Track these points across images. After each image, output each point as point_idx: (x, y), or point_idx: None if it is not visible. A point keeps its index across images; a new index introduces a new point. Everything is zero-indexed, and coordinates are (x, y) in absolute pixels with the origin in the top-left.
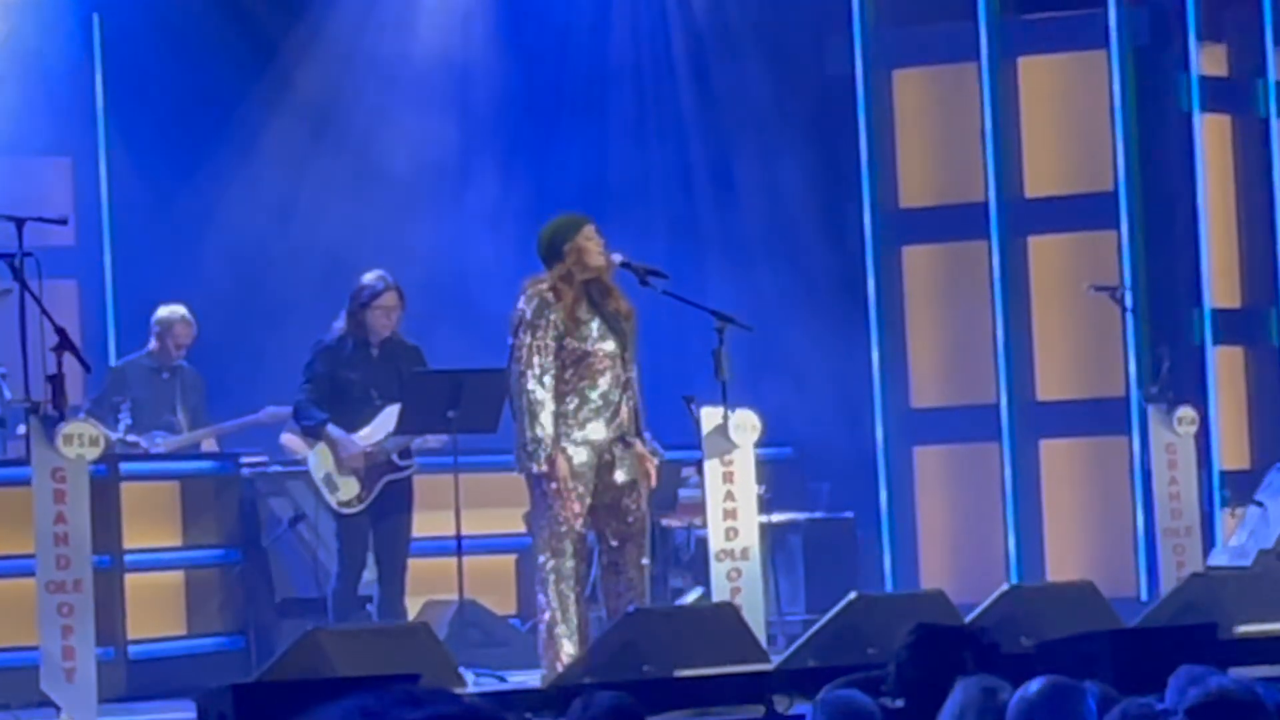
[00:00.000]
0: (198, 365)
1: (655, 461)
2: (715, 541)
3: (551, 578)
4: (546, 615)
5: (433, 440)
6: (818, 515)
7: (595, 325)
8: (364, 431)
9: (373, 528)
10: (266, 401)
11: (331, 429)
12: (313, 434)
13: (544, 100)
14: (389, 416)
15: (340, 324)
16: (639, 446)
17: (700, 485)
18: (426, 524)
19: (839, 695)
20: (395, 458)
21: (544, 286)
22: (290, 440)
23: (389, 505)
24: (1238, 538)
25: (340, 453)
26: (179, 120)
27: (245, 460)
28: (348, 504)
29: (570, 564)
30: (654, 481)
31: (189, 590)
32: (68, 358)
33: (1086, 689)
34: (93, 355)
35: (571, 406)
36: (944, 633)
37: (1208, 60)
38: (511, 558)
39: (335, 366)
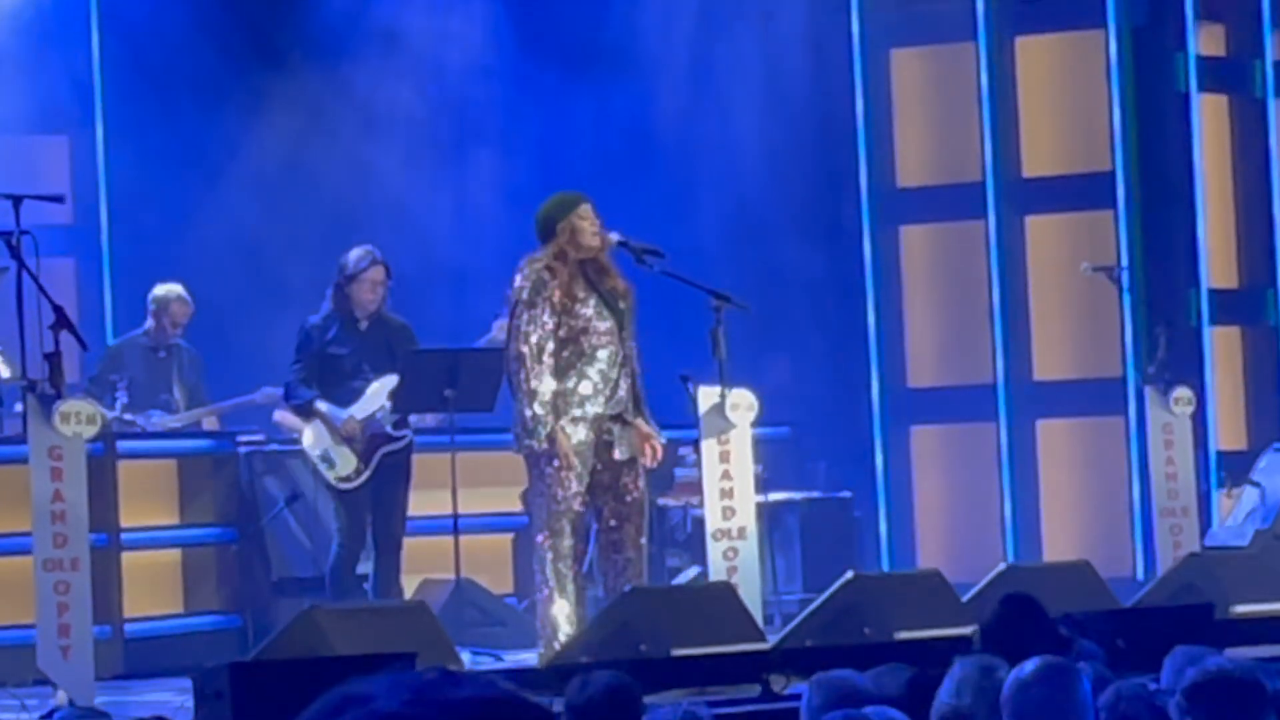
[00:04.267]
0: (195, 344)
1: (660, 439)
2: (712, 521)
3: (549, 556)
4: (544, 594)
5: (429, 418)
6: (815, 494)
7: (593, 303)
8: (356, 405)
9: (372, 501)
10: (264, 381)
11: (320, 404)
12: (303, 412)
13: (542, 73)
14: (381, 389)
15: (327, 303)
16: (641, 424)
17: (697, 464)
18: (423, 503)
19: (834, 675)
20: (389, 428)
21: (540, 264)
22: (284, 417)
23: (387, 478)
24: (1234, 518)
25: (333, 424)
26: (176, 98)
27: (242, 439)
28: (346, 478)
29: (568, 543)
30: (660, 456)
31: (186, 569)
32: (65, 336)
33: (1081, 669)
34: (90, 334)
35: (570, 384)
36: (1030, 603)
37: (1205, 40)
38: (509, 537)
39: (324, 344)
